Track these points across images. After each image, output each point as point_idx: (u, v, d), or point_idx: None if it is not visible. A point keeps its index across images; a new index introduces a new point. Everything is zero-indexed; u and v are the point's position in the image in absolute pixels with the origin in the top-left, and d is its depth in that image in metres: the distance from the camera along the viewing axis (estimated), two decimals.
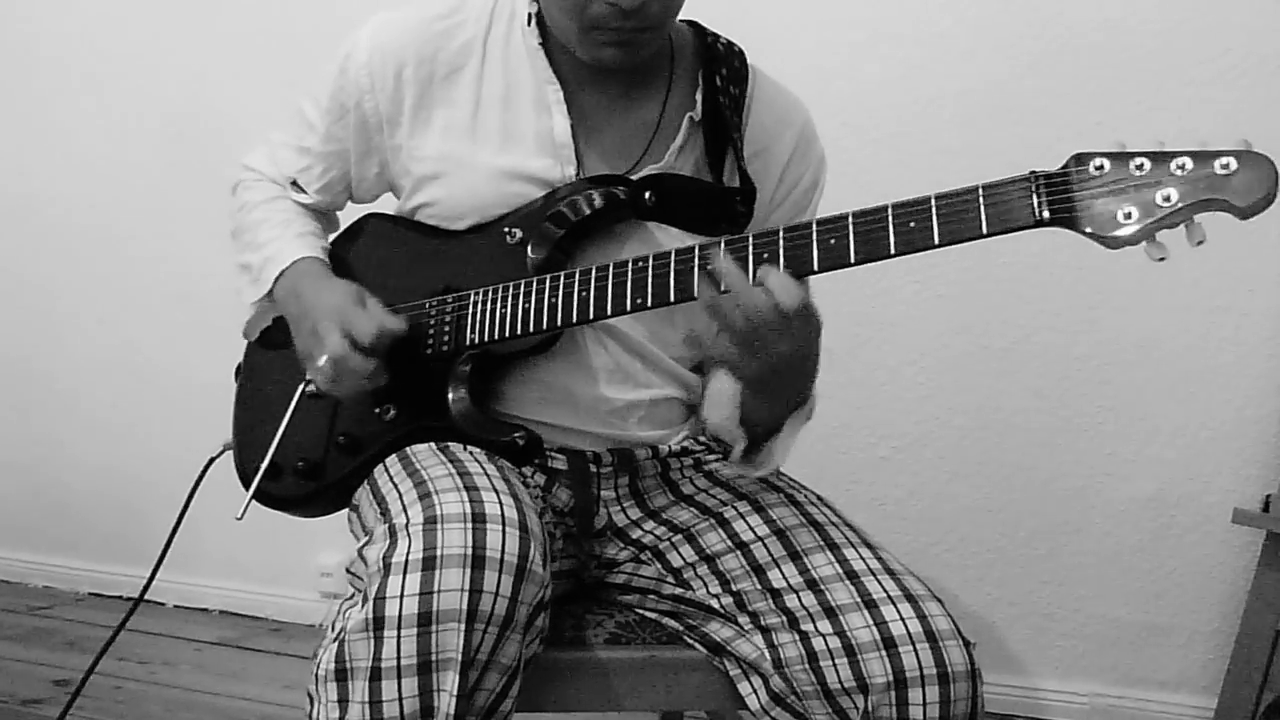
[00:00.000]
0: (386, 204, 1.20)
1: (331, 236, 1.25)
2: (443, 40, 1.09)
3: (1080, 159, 0.83)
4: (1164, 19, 1.72)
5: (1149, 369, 1.80)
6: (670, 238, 1.07)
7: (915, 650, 0.91)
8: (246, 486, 1.17)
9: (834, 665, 0.93)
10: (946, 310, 1.88)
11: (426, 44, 1.09)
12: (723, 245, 0.94)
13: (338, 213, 1.28)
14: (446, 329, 1.08)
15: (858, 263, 0.89)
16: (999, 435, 1.89)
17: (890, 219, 0.87)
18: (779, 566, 1.01)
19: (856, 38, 1.86)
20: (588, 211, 1.05)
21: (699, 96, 1.10)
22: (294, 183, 1.21)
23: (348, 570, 0.97)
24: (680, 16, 1.12)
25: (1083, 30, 1.76)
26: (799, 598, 0.98)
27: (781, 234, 0.93)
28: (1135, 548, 1.85)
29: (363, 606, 0.85)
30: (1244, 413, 1.77)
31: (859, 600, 0.95)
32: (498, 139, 1.08)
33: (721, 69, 1.10)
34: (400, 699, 0.82)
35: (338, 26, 1.15)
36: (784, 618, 0.98)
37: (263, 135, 1.26)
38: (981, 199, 0.85)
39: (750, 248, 0.93)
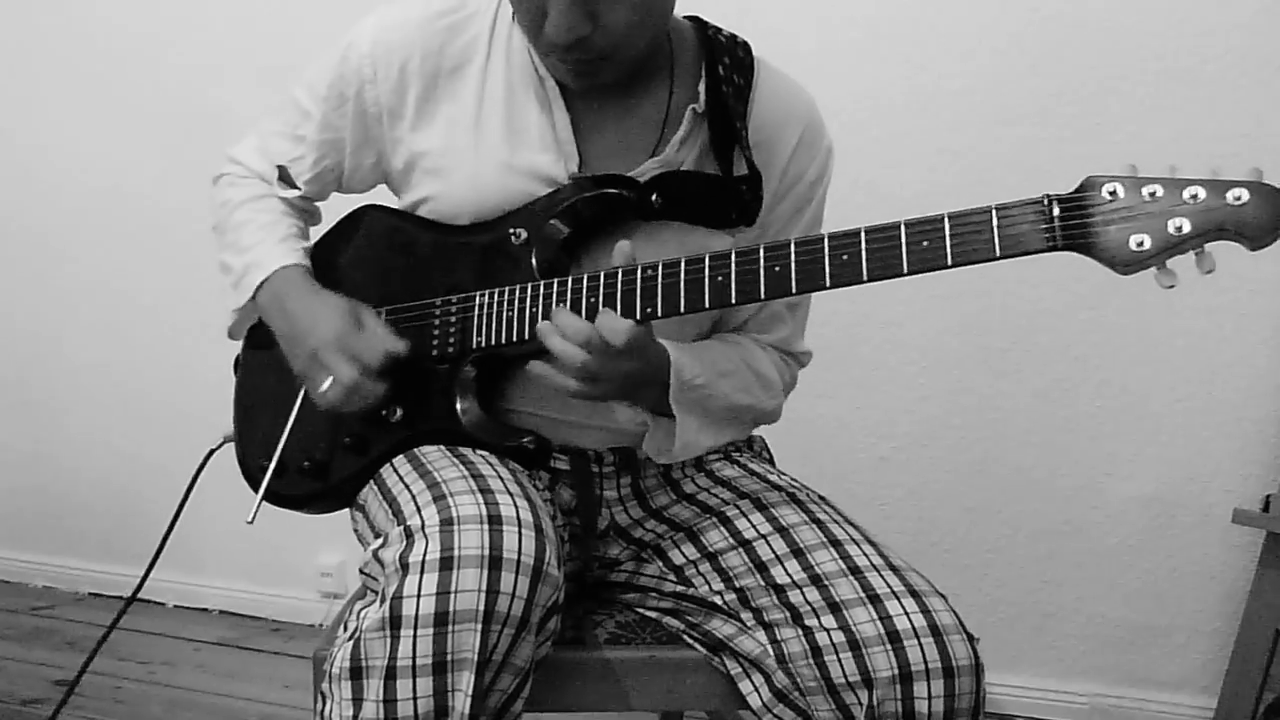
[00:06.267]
0: (378, 195, 1.19)
1: (316, 230, 1.24)
2: (448, 35, 1.08)
3: (1092, 183, 0.83)
4: (1164, 19, 1.72)
5: (1149, 369, 1.81)
6: (676, 234, 1.05)
7: (920, 644, 0.91)
8: (250, 482, 1.18)
9: (838, 660, 0.93)
10: (946, 310, 1.88)
11: (432, 38, 1.08)
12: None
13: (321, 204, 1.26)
14: (452, 332, 1.08)
15: (870, 280, 0.89)
16: (999, 435, 1.89)
17: (903, 237, 0.87)
18: (782, 563, 1.01)
19: (856, 37, 1.86)
20: (593, 214, 1.05)
21: (701, 88, 1.08)
22: (282, 175, 1.19)
23: (361, 570, 0.98)
24: (683, 14, 1.12)
25: (1083, 30, 1.76)
26: (802, 593, 0.98)
27: (794, 247, 0.92)
28: (1135, 548, 1.85)
29: (379, 606, 0.85)
30: (1244, 413, 1.77)
31: (863, 595, 0.95)
32: (501, 134, 1.08)
33: (724, 58, 1.09)
34: (415, 698, 0.82)
35: (344, 13, 1.14)
36: (787, 613, 0.98)
37: (253, 124, 1.24)
38: (995, 222, 0.84)
39: (761, 260, 0.93)
